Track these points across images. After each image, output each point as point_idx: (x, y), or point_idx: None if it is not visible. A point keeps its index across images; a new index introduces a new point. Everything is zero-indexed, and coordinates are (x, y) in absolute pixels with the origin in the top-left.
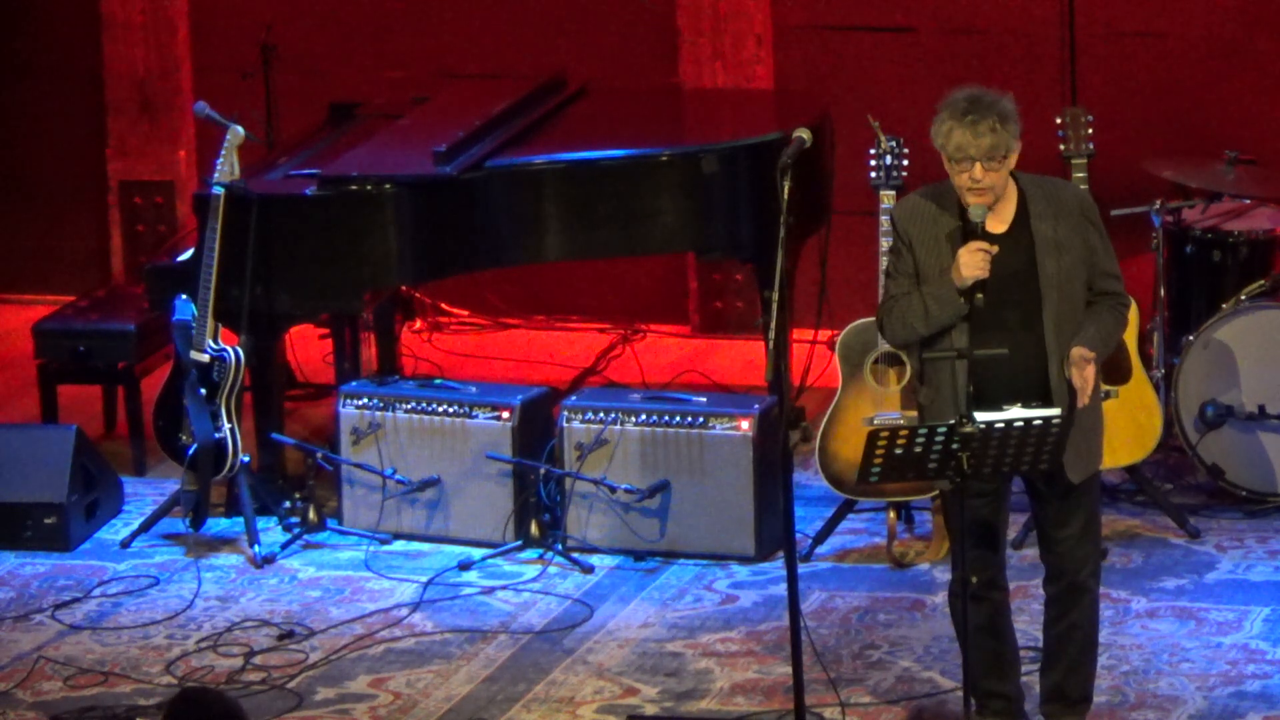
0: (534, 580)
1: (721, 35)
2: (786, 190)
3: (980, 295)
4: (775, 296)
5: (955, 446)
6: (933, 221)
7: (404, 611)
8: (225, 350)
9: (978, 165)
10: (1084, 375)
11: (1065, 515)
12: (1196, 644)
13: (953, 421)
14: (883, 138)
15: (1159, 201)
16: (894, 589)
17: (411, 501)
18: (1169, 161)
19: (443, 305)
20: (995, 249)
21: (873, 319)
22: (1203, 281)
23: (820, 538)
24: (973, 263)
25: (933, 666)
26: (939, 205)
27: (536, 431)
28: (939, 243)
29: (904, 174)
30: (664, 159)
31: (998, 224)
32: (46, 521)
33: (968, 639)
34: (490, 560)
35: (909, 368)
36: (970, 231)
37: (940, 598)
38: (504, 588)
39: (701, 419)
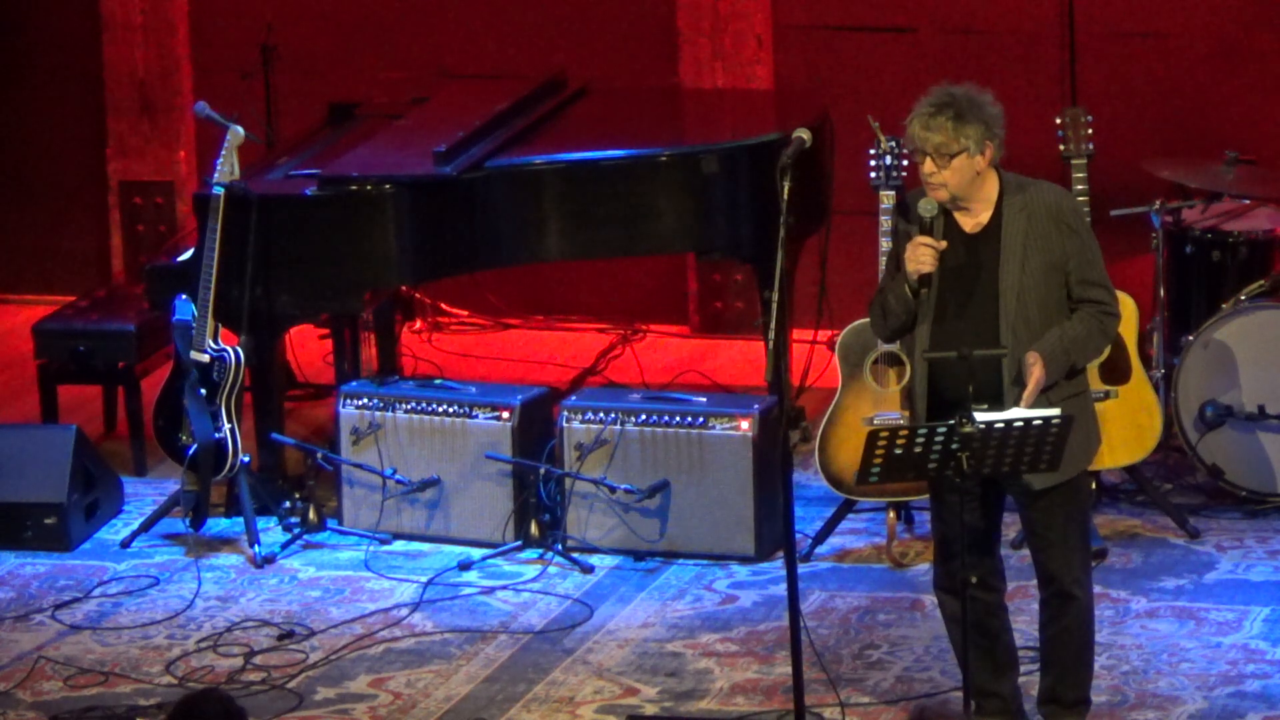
0: (534, 580)
1: (721, 35)
2: (786, 190)
3: (926, 290)
4: (775, 296)
5: (955, 446)
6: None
7: (404, 611)
8: (225, 350)
9: (928, 160)
10: (1028, 377)
11: (1042, 523)
12: (1196, 644)
13: (953, 421)
14: (883, 138)
15: (1159, 201)
16: (894, 589)
17: (411, 501)
18: (1169, 161)
19: (443, 305)
20: (943, 244)
21: None
22: (1203, 281)
23: (820, 538)
24: (915, 257)
25: (932, 666)
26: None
27: (536, 431)
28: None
29: (904, 174)
30: (664, 159)
31: (972, 225)
32: (46, 521)
33: (965, 639)
34: (490, 560)
35: (909, 368)
36: (921, 227)
37: None
38: (504, 588)
39: (701, 419)
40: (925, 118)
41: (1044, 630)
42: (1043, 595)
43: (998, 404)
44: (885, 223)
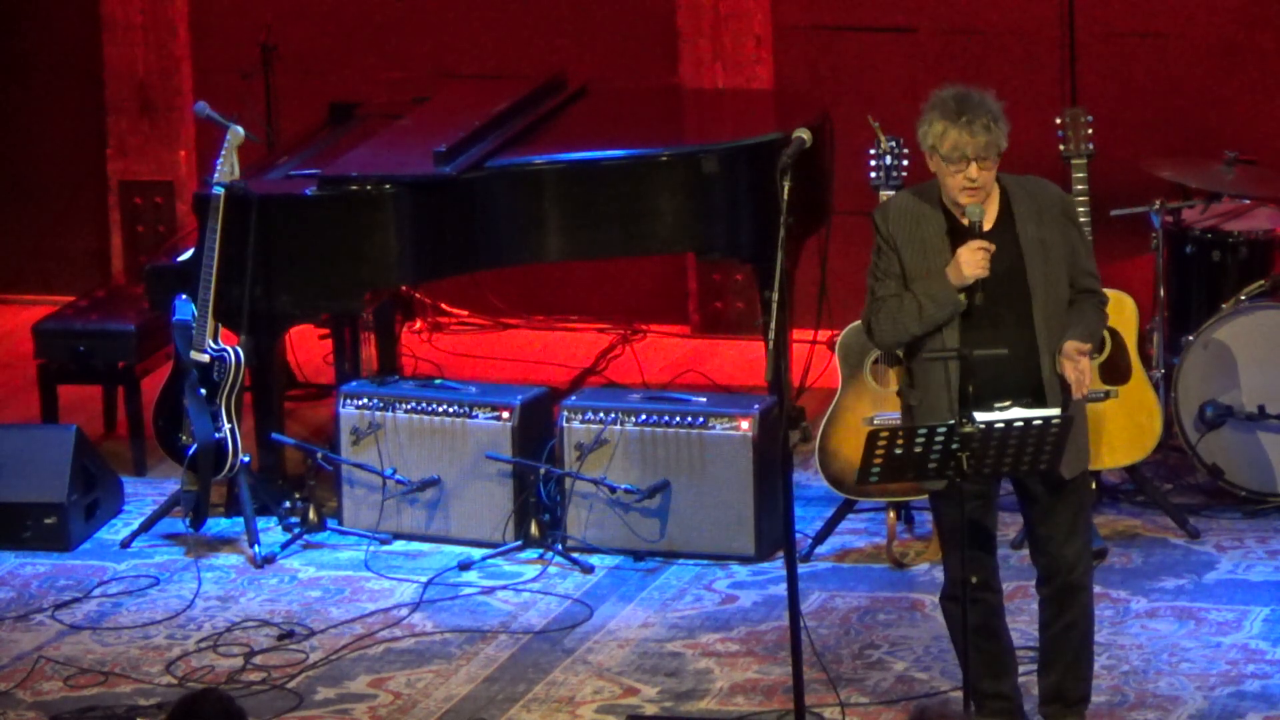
0: (534, 580)
1: (721, 35)
2: (786, 190)
3: (980, 293)
4: (775, 296)
5: (955, 447)
6: (916, 222)
7: (404, 611)
8: (225, 350)
9: (973, 165)
10: (1079, 368)
11: (1054, 513)
12: (1196, 644)
13: (953, 421)
14: (883, 138)
15: (1159, 201)
16: (894, 589)
17: (411, 501)
18: (1169, 161)
19: (443, 305)
20: (994, 247)
21: None
22: (1203, 281)
23: (820, 538)
24: (974, 261)
25: (932, 666)
26: (921, 205)
27: (536, 431)
28: (924, 243)
29: (904, 174)
30: (664, 159)
31: (984, 222)
32: (46, 521)
33: (963, 644)
34: (490, 560)
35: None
36: (970, 230)
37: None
38: (504, 588)
39: (701, 419)
40: (965, 123)
41: (1047, 629)
42: (1046, 592)
43: (1038, 398)
44: None
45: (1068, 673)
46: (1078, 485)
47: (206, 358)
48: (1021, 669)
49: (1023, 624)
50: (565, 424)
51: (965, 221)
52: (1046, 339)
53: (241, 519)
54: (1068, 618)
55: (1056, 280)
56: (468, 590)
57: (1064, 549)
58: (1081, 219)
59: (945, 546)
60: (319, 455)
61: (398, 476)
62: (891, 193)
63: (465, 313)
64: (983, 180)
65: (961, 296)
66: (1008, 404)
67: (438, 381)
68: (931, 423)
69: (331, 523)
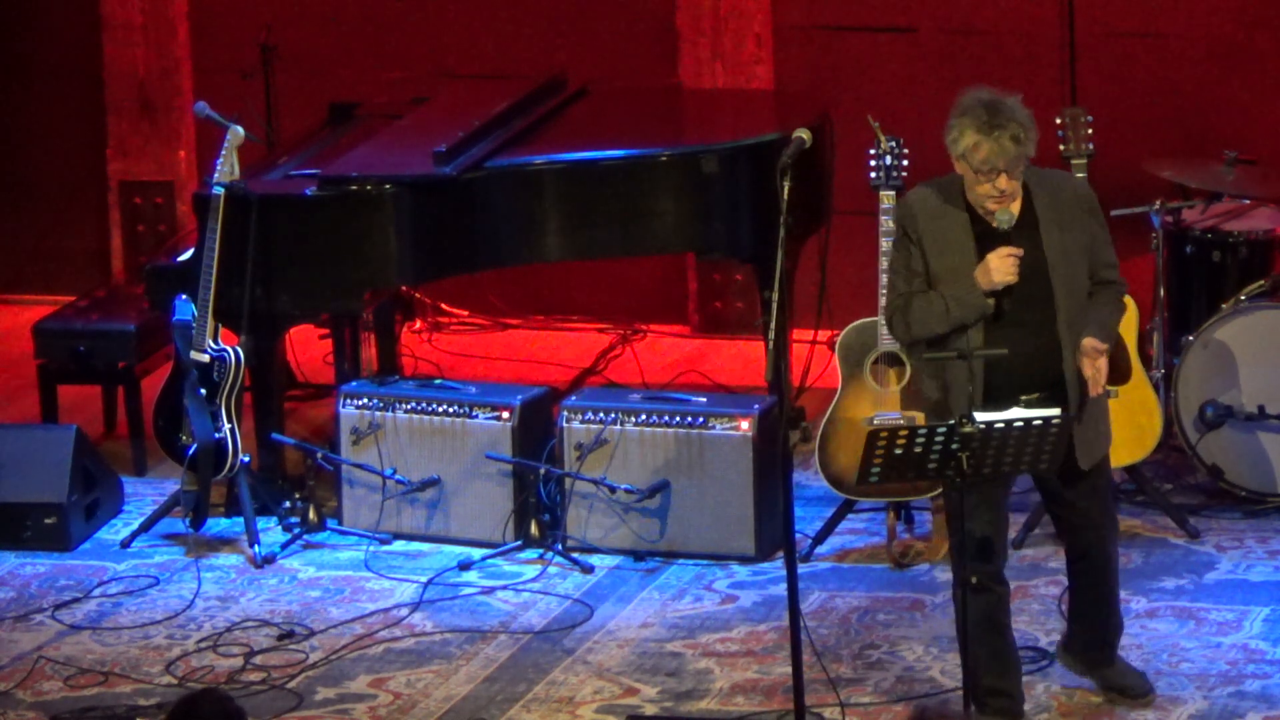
0: (534, 580)
1: (721, 35)
2: (786, 190)
3: (1008, 298)
4: (775, 296)
5: (955, 446)
6: (939, 219)
7: (404, 611)
8: (225, 350)
9: (1003, 176)
10: (1096, 366)
11: (1085, 498)
12: (1196, 644)
13: (953, 421)
14: (883, 138)
15: (1159, 202)
16: (894, 589)
17: (411, 501)
18: (1169, 161)
19: (443, 305)
20: (1021, 252)
21: (873, 319)
22: (1203, 281)
23: (820, 538)
24: (1004, 268)
25: (932, 666)
26: (944, 202)
27: (536, 431)
28: (947, 240)
29: (904, 174)
30: (664, 159)
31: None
32: (46, 521)
33: (969, 635)
34: (490, 560)
35: (909, 368)
36: (999, 234)
37: (940, 597)
38: (504, 588)
39: (701, 419)
40: (996, 139)
41: (1090, 592)
42: (1080, 566)
43: (1059, 392)
44: (886, 223)
45: (1118, 624)
46: (1103, 468)
47: (206, 358)
48: (1024, 669)
49: (1023, 624)
50: (565, 424)
51: (995, 224)
52: (1068, 335)
53: (241, 519)
54: (1104, 587)
55: (1078, 280)
56: (468, 590)
57: (1098, 528)
58: None
59: (954, 540)
60: (319, 455)
61: (398, 476)
62: (892, 193)
63: (465, 313)
64: (1011, 189)
65: (990, 301)
66: (1035, 396)
67: (438, 381)
68: (933, 423)
69: (331, 523)
